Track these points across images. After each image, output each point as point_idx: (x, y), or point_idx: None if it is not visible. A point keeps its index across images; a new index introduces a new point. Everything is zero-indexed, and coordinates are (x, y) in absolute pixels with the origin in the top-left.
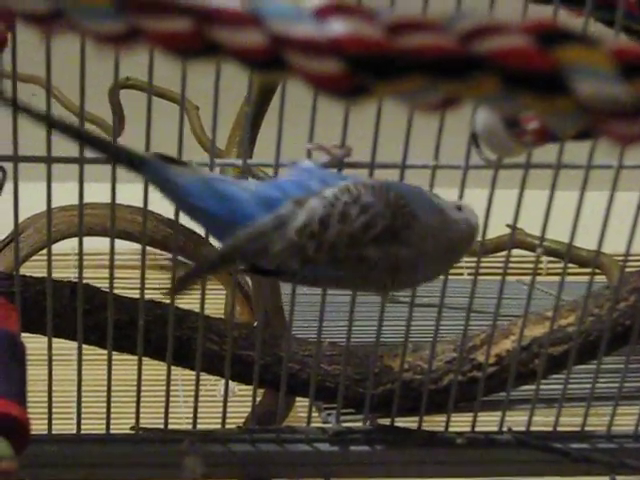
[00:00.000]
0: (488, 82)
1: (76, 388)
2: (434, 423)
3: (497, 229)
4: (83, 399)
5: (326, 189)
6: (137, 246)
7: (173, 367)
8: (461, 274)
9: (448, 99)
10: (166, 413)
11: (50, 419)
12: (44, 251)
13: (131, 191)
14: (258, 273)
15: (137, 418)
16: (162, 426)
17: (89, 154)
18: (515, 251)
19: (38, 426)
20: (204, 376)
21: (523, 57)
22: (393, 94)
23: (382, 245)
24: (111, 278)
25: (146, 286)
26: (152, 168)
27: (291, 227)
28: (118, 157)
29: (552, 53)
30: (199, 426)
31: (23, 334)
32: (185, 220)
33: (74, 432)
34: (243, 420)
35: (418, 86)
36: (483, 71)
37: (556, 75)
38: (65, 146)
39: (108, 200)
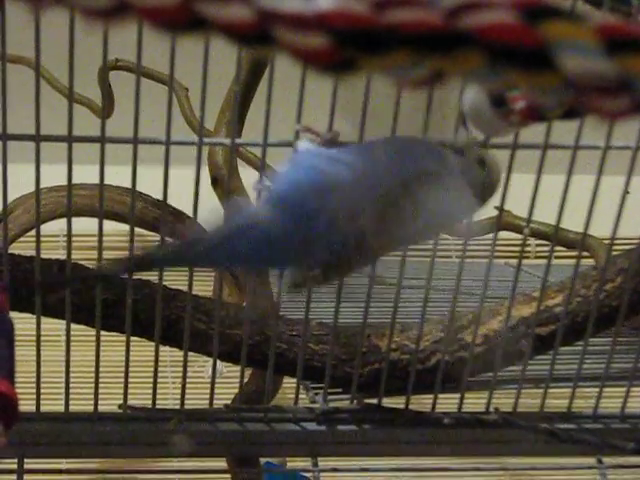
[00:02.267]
0: (474, 57)
1: (64, 367)
2: (421, 403)
3: (486, 211)
4: (72, 379)
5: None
6: (126, 227)
7: (162, 349)
8: (450, 257)
9: (434, 74)
10: (154, 392)
11: (38, 397)
12: (33, 232)
13: (120, 172)
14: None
15: (125, 396)
16: (150, 405)
17: (78, 132)
18: (504, 234)
19: (27, 406)
20: (193, 357)
21: (509, 32)
22: (380, 69)
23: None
24: (99, 258)
25: None
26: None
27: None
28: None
29: (538, 29)
30: (187, 406)
31: (12, 313)
32: (174, 201)
33: (62, 411)
34: (231, 400)
35: (404, 61)
36: (469, 46)
37: (541, 50)
38: (54, 125)
39: (97, 181)
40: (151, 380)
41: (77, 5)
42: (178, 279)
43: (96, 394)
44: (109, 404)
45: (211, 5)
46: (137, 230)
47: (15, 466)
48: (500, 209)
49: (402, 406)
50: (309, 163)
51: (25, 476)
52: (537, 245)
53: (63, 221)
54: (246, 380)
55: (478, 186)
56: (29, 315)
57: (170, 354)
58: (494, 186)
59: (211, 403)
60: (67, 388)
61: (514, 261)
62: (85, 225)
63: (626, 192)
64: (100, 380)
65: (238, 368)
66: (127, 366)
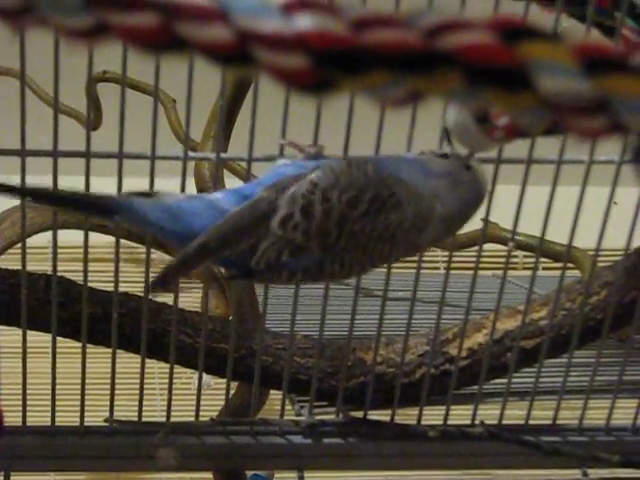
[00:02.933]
0: (452, 77)
1: (50, 380)
2: (407, 416)
3: (472, 224)
4: (58, 391)
5: (304, 173)
6: (114, 239)
7: (150, 361)
8: (437, 268)
9: (413, 94)
10: (140, 405)
11: (25, 411)
12: (20, 244)
13: (106, 184)
14: (247, 277)
15: (111, 410)
16: (137, 419)
17: (64, 142)
18: (492, 246)
19: (13, 418)
20: (180, 369)
21: (487, 53)
22: (359, 89)
23: (372, 216)
24: (85, 271)
25: (122, 279)
26: (125, 210)
27: (274, 221)
28: (90, 207)
29: (516, 49)
30: (174, 419)
31: None
32: None
33: (49, 424)
34: (218, 412)
35: (383, 81)
36: (447, 66)
37: (519, 70)
38: (39, 139)
39: None
40: (138, 392)
41: (58, 26)
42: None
43: (82, 407)
44: (95, 415)
45: (190, 26)
46: (124, 242)
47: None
48: (485, 221)
49: (388, 419)
50: (281, 170)
51: None
52: (524, 257)
53: (51, 232)
54: (233, 393)
55: (469, 189)
56: (14, 328)
57: (158, 365)
58: (482, 192)
59: (197, 416)
60: (53, 401)
61: (502, 272)
62: (72, 237)
63: (613, 202)
64: (87, 392)
65: (225, 380)
66: (113, 379)
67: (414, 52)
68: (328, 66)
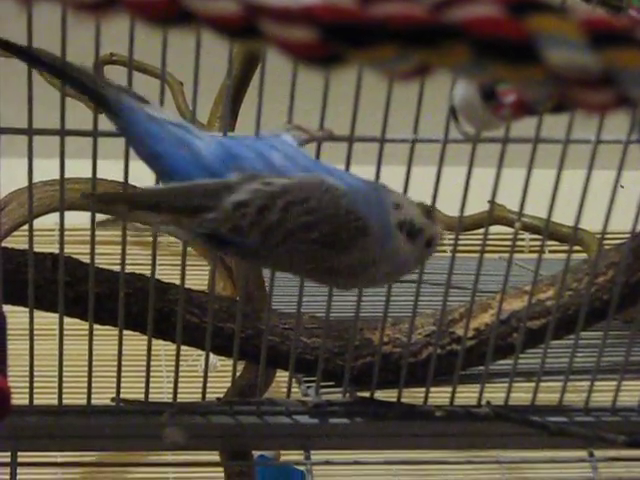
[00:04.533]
0: (460, 51)
1: (57, 360)
2: (413, 396)
3: (479, 206)
4: (65, 372)
5: (280, 178)
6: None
7: (157, 342)
8: (444, 251)
9: (421, 67)
10: (147, 385)
11: (32, 391)
12: (27, 225)
13: (113, 167)
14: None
15: (118, 389)
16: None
17: (71, 127)
18: (499, 228)
19: (20, 399)
20: (187, 351)
21: (494, 26)
22: (366, 62)
23: (319, 246)
24: (92, 252)
25: (128, 262)
26: (119, 115)
27: (230, 199)
28: (91, 93)
29: (523, 22)
30: (181, 399)
31: (4, 307)
32: None
33: (56, 404)
34: (224, 393)
35: (391, 54)
36: (455, 40)
37: (526, 44)
38: (48, 119)
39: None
40: (145, 372)
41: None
42: (171, 273)
43: (89, 387)
44: (102, 397)
45: None
46: None
47: (9, 459)
48: (492, 203)
49: (394, 399)
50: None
51: (19, 469)
52: (531, 239)
53: (58, 214)
54: (239, 373)
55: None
56: (22, 308)
57: (164, 347)
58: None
59: (204, 396)
60: (60, 381)
61: (508, 255)
62: (80, 219)
63: (620, 186)
64: (93, 373)
65: (231, 361)
66: (120, 359)
67: (422, 25)
68: (336, 39)
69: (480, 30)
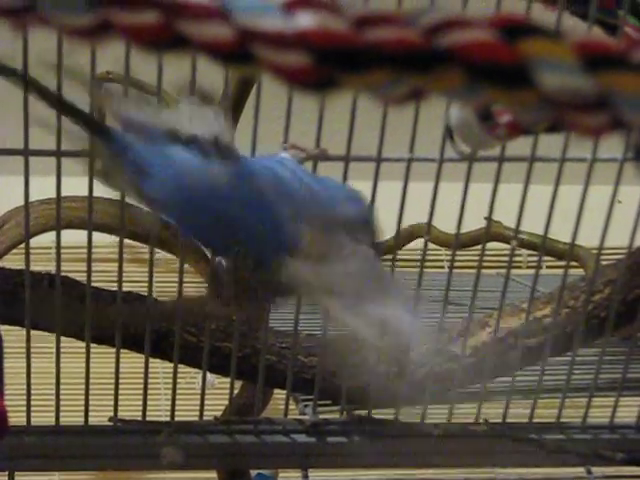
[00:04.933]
0: (453, 75)
1: (55, 380)
2: (411, 415)
3: (476, 223)
4: (62, 391)
5: None
6: (117, 239)
7: (155, 360)
8: (442, 267)
9: (414, 92)
10: (144, 404)
11: (29, 410)
12: (24, 244)
13: None
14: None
15: (115, 409)
16: (141, 418)
17: (67, 147)
18: (496, 244)
19: (17, 418)
20: (185, 369)
21: (487, 50)
22: (360, 87)
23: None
24: (89, 271)
25: (125, 279)
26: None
27: None
28: (90, 124)
29: (516, 46)
30: (180, 418)
31: (2, 326)
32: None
33: (53, 424)
34: (222, 412)
35: (384, 79)
36: (448, 64)
37: (520, 68)
38: (43, 139)
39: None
40: (142, 391)
41: (61, 25)
42: (169, 291)
43: (86, 406)
44: (100, 415)
45: (192, 24)
46: (128, 242)
47: None
48: (489, 219)
49: (392, 417)
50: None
51: None
52: (528, 255)
53: (55, 233)
54: (236, 392)
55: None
56: (19, 327)
57: (162, 365)
58: None
59: (201, 415)
60: (57, 401)
61: (505, 271)
62: (77, 237)
63: (617, 201)
64: (91, 392)
65: (229, 379)
66: (117, 378)
67: (415, 50)
68: (329, 64)
69: (473, 55)
